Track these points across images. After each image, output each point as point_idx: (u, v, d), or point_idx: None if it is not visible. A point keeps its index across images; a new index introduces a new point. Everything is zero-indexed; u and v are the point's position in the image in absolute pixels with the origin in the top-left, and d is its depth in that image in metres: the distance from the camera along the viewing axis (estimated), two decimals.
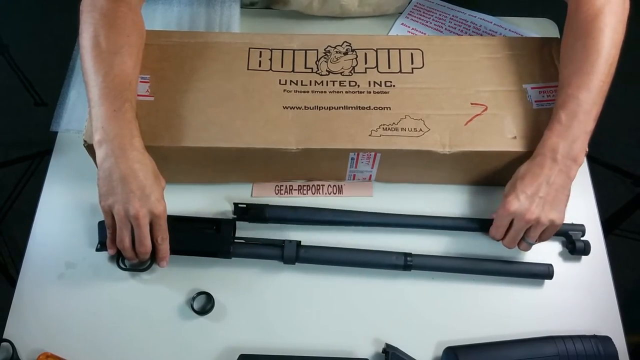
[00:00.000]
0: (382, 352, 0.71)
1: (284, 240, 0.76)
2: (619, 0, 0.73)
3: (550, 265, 0.77)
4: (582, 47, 0.72)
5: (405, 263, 0.76)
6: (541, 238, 0.74)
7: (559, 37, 0.84)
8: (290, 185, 0.84)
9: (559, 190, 0.71)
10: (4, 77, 1.72)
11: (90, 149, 0.76)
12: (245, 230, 0.79)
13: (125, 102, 0.69)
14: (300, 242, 0.76)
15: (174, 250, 0.75)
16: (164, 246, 0.72)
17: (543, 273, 0.76)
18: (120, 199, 0.68)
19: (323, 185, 0.84)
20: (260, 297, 0.76)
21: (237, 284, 0.77)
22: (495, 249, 0.78)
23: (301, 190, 0.84)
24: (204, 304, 0.75)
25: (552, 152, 0.70)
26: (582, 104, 0.70)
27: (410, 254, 0.76)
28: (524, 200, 0.70)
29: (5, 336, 0.72)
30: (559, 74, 0.76)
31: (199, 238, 0.76)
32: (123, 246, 0.71)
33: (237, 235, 0.78)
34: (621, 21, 0.73)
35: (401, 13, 1.01)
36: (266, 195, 0.83)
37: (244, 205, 0.79)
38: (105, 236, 0.73)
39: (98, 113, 0.69)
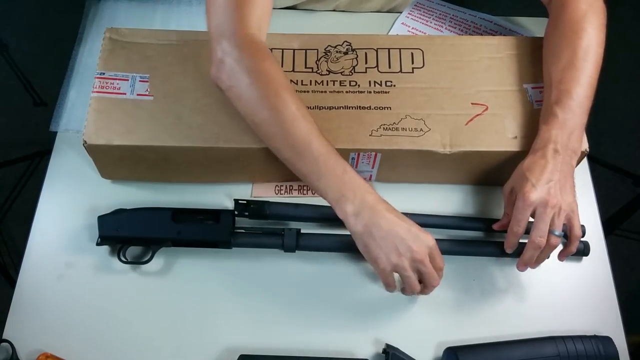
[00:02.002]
0: (382, 352, 0.71)
1: (283, 229, 0.76)
2: (600, 6, 0.77)
3: None
4: (570, 45, 0.75)
5: None
6: (573, 233, 0.72)
7: None
8: (290, 185, 0.84)
9: (567, 178, 0.71)
10: (3, 77, 1.72)
11: (90, 148, 0.76)
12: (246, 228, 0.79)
13: (344, 160, 0.69)
14: (300, 229, 0.77)
15: (174, 242, 0.75)
16: (441, 272, 0.71)
17: None
18: (398, 253, 0.67)
19: None
20: (260, 291, 0.76)
21: (238, 277, 0.77)
22: None
23: (301, 190, 0.83)
24: None
25: (553, 144, 0.71)
26: (576, 98, 0.72)
27: None
28: (541, 188, 0.70)
29: (4, 336, 0.72)
30: (543, 72, 0.78)
31: (199, 229, 0.76)
32: (413, 290, 0.71)
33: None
34: (603, 24, 0.76)
35: (401, 12, 1.01)
36: (266, 195, 0.83)
37: (245, 202, 0.79)
38: (106, 230, 0.74)
39: (334, 182, 0.68)
